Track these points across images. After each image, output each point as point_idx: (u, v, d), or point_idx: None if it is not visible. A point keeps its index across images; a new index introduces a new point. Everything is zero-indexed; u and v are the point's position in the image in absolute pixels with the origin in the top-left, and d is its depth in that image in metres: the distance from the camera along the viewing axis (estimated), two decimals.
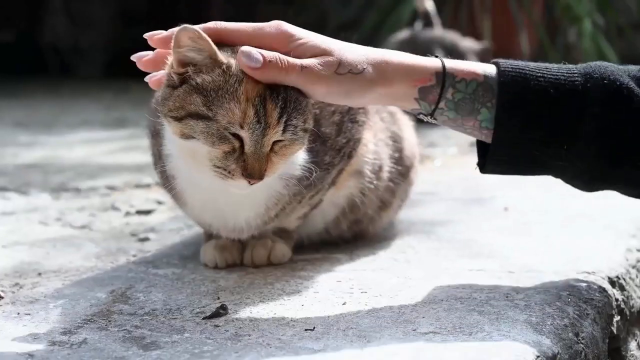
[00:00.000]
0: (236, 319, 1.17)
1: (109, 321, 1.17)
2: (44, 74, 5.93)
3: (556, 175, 1.33)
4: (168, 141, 1.31)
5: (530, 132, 1.25)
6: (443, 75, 1.25)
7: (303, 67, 1.20)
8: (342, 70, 1.21)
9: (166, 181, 1.36)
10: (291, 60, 1.20)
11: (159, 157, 1.37)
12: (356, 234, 1.56)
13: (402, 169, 1.56)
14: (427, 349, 1.05)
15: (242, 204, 1.33)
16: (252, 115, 1.17)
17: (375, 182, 1.49)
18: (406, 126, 1.61)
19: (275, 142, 1.20)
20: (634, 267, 1.48)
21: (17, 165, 2.54)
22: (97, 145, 2.97)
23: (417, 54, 1.30)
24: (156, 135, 1.36)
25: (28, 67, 5.97)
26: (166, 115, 1.22)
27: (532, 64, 1.28)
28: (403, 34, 3.60)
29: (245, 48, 1.18)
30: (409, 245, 1.56)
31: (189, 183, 1.33)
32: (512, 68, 1.26)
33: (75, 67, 6.30)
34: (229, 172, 1.20)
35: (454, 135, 3.13)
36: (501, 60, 1.28)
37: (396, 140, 1.54)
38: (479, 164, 1.34)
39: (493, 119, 1.25)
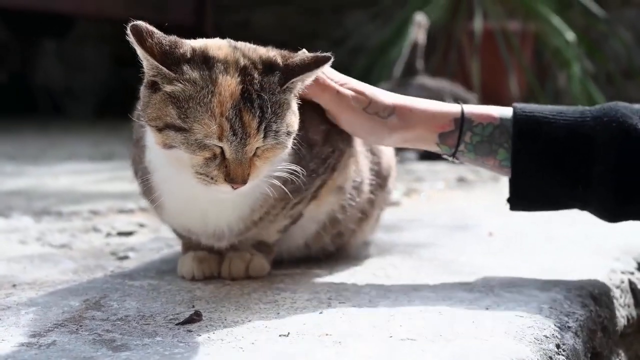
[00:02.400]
0: (210, 325, 1.15)
1: (80, 326, 1.15)
2: (36, 115, 5.94)
3: (581, 209, 1.42)
4: (149, 147, 1.30)
5: (545, 174, 1.36)
6: (461, 121, 1.38)
7: (338, 93, 1.36)
8: (371, 110, 1.38)
9: (145, 187, 1.35)
10: (331, 83, 1.36)
11: (139, 163, 1.35)
12: (338, 247, 1.55)
13: (380, 181, 1.55)
14: (402, 353, 1.03)
15: (225, 205, 1.32)
16: (228, 129, 1.16)
17: (356, 198, 1.49)
18: None
19: (258, 147, 1.20)
20: (617, 287, 1.47)
21: (1, 191, 2.52)
22: (83, 176, 2.95)
23: None
24: (137, 142, 1.35)
25: (20, 107, 5.99)
26: (148, 123, 1.22)
27: (547, 108, 1.39)
28: (386, 85, 3.62)
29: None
30: (390, 263, 1.55)
31: (168, 186, 1.31)
32: (526, 114, 1.37)
33: (67, 108, 6.33)
34: (212, 178, 1.19)
35: (441, 170, 3.15)
36: (518, 105, 1.40)
37: (374, 153, 1.54)
38: (508, 200, 1.44)
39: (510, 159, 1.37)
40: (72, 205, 2.23)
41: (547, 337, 1.14)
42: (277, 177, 1.28)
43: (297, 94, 1.27)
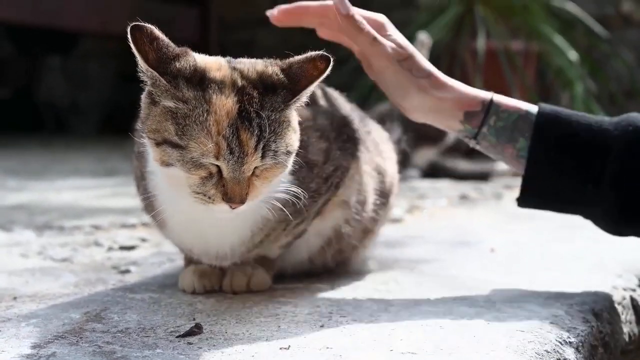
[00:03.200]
0: (210, 337, 1.15)
1: (80, 337, 1.14)
2: (40, 131, 5.95)
3: (585, 216, 1.44)
4: (150, 162, 1.29)
5: (559, 169, 1.38)
6: (489, 105, 1.40)
7: (375, 39, 1.38)
8: (406, 66, 1.39)
9: (148, 203, 1.35)
10: (369, 28, 1.38)
11: (141, 179, 1.35)
12: (339, 263, 1.55)
13: (384, 199, 1.55)
14: None
15: (226, 229, 1.31)
16: (225, 148, 1.14)
17: (362, 213, 1.49)
18: (389, 159, 1.61)
19: (257, 167, 1.18)
20: (619, 303, 1.46)
21: (3, 206, 2.52)
22: (86, 191, 2.95)
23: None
24: (139, 157, 1.35)
25: (24, 123, 6.00)
26: (147, 136, 1.20)
27: (569, 110, 1.42)
28: (384, 106, 3.62)
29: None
30: (392, 278, 1.54)
31: (170, 205, 1.30)
32: (550, 111, 1.40)
33: (71, 124, 6.34)
34: (209, 198, 1.18)
35: (444, 188, 3.15)
36: (543, 104, 1.43)
37: (380, 173, 1.54)
38: (517, 199, 1.44)
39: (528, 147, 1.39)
40: (74, 220, 2.23)
41: (548, 352, 1.13)
42: (277, 200, 1.27)
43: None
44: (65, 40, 6.35)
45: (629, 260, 1.73)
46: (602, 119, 1.41)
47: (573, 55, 4.49)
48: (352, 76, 5.03)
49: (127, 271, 1.62)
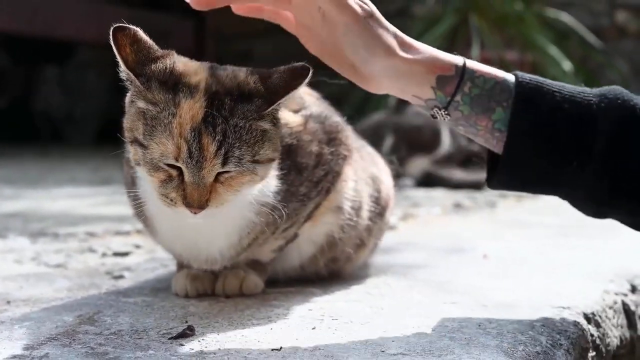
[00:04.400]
0: (202, 339, 1.15)
1: (73, 339, 1.15)
2: (36, 141, 5.96)
3: (564, 197, 1.30)
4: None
5: (543, 144, 1.23)
6: (463, 69, 1.24)
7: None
8: (373, 23, 1.23)
9: (138, 209, 1.35)
10: None
11: (131, 184, 1.36)
12: (332, 272, 1.54)
13: (380, 209, 1.55)
14: None
15: (214, 233, 1.31)
16: (185, 151, 1.15)
17: (355, 219, 1.48)
18: (384, 171, 1.61)
19: (220, 173, 1.18)
20: (610, 307, 1.47)
21: None
22: (81, 199, 2.96)
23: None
24: (129, 162, 1.35)
25: (20, 133, 6.01)
26: (125, 133, 1.22)
27: (549, 80, 1.27)
28: (378, 116, 3.64)
29: None
30: (385, 282, 1.55)
31: (159, 210, 1.30)
32: (529, 79, 1.25)
33: (67, 134, 6.35)
34: (171, 200, 1.19)
35: (438, 197, 3.16)
36: (520, 72, 1.27)
37: (375, 181, 1.54)
38: (487, 180, 1.32)
39: (506, 120, 1.24)
40: (68, 227, 2.23)
41: (538, 354, 1.14)
42: (265, 204, 1.28)
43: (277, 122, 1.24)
44: (62, 51, 6.37)
45: (621, 266, 1.74)
46: (584, 89, 1.26)
47: (567, 65, 4.52)
48: (345, 88, 5.06)
49: (120, 276, 1.62)
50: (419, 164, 3.50)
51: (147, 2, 6.14)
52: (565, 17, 4.79)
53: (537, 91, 1.23)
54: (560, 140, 1.23)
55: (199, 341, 1.14)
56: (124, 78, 1.20)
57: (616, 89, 1.27)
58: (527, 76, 1.25)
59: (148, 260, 1.80)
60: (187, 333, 1.16)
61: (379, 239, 1.63)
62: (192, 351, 1.09)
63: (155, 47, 1.21)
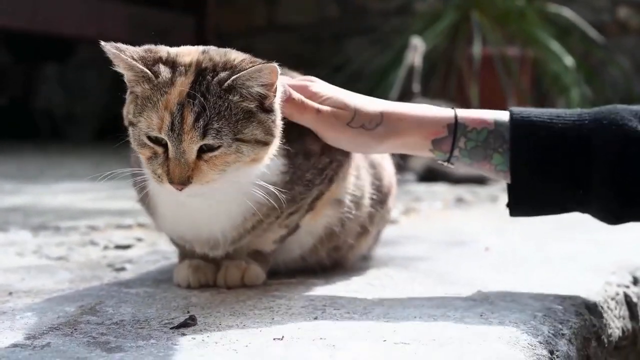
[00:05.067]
0: (204, 329, 1.15)
1: (75, 329, 1.15)
2: (36, 138, 5.95)
3: (582, 212, 1.40)
4: None
5: (544, 180, 1.34)
6: (455, 127, 1.35)
7: (318, 111, 1.35)
8: (355, 124, 1.35)
9: (141, 194, 1.36)
10: (309, 103, 1.35)
11: (137, 165, 1.36)
12: (335, 261, 1.54)
13: (382, 196, 1.55)
14: (396, 355, 1.03)
15: (217, 214, 1.32)
16: (168, 122, 1.19)
17: (354, 211, 1.48)
18: (386, 157, 1.61)
19: (204, 152, 1.21)
20: (612, 299, 1.47)
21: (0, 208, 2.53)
22: (82, 194, 2.96)
23: None
24: (133, 150, 1.36)
25: (20, 131, 6.00)
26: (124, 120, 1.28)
27: (544, 112, 1.36)
28: None
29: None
30: (386, 274, 1.55)
31: (162, 193, 1.32)
32: (522, 118, 1.34)
33: (67, 133, 6.35)
34: (159, 177, 1.23)
35: (440, 191, 3.16)
36: (514, 109, 1.37)
37: (376, 168, 1.54)
38: (508, 206, 1.41)
39: (506, 162, 1.35)
40: (70, 221, 2.23)
41: (540, 343, 1.14)
42: (273, 183, 1.29)
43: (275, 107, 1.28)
44: (62, 49, 6.37)
45: (623, 259, 1.73)
46: (579, 116, 1.35)
47: (569, 61, 4.52)
48: (349, 82, 5.07)
49: (122, 269, 1.62)
50: (421, 159, 3.50)
51: None
52: (567, 13, 4.78)
53: (530, 130, 1.33)
54: (560, 173, 1.33)
55: (200, 331, 1.14)
56: (126, 70, 1.25)
57: (612, 111, 1.35)
58: (522, 114, 1.35)
59: (150, 252, 1.80)
60: (189, 323, 1.16)
61: (382, 226, 1.64)
62: (194, 340, 1.09)
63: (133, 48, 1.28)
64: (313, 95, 1.37)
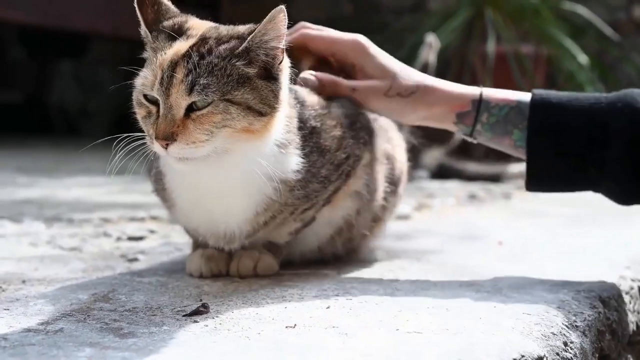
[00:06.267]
0: (217, 317, 1.15)
1: (88, 315, 1.15)
2: (51, 134, 5.97)
3: (594, 191, 1.45)
4: None
5: (559, 158, 1.40)
6: (479, 102, 1.43)
7: (353, 89, 1.44)
8: (392, 93, 1.44)
9: (157, 182, 1.37)
10: (342, 82, 1.43)
11: (153, 161, 1.36)
12: (349, 251, 1.55)
13: (394, 187, 1.55)
14: (409, 344, 1.03)
15: (231, 206, 1.32)
16: (159, 78, 1.21)
17: (372, 202, 1.50)
18: (399, 146, 1.60)
19: (193, 110, 1.21)
20: (627, 293, 1.46)
21: (14, 200, 2.54)
22: (95, 188, 2.96)
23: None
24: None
25: (35, 127, 6.02)
26: None
27: (564, 95, 1.43)
28: None
29: (302, 75, 1.41)
30: (399, 266, 1.55)
31: (177, 181, 1.33)
32: (542, 98, 1.41)
33: (82, 129, 6.36)
34: (150, 137, 1.23)
35: (452, 188, 3.15)
36: (536, 90, 1.44)
37: (389, 159, 1.54)
38: (526, 184, 1.46)
39: (524, 139, 1.41)
40: (83, 214, 2.24)
41: (554, 334, 1.13)
42: (284, 181, 1.29)
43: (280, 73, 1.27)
44: (77, 45, 6.38)
45: (637, 253, 1.72)
46: (596, 99, 1.41)
47: (583, 59, 4.49)
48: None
49: (135, 259, 1.62)
50: (434, 156, 3.49)
51: None
52: (582, 11, 4.75)
53: (548, 111, 1.40)
54: (574, 152, 1.39)
55: (213, 318, 1.14)
56: (143, 37, 1.29)
57: (629, 94, 1.39)
58: (539, 96, 1.41)
59: (163, 244, 1.80)
60: (202, 310, 1.16)
61: (392, 212, 1.65)
62: (207, 327, 1.09)
63: (174, 9, 1.32)
64: (361, 50, 1.46)
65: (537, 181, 1.44)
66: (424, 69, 3.56)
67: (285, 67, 1.28)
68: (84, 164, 3.85)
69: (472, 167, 3.54)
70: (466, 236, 1.97)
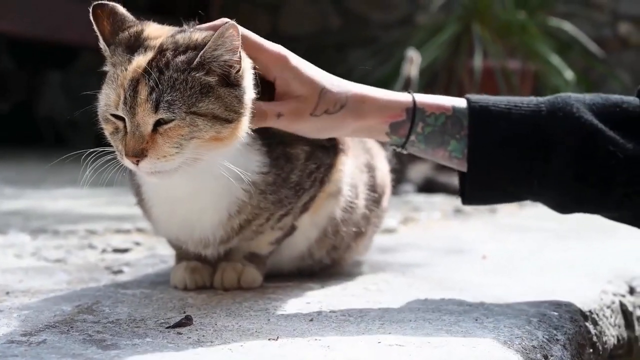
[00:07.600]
0: (200, 329, 1.16)
1: (71, 327, 1.15)
2: (39, 145, 5.96)
3: (534, 200, 1.41)
4: None
5: (502, 169, 1.34)
6: (413, 111, 1.34)
7: (279, 115, 1.31)
8: (319, 112, 1.32)
9: (138, 197, 1.37)
10: (268, 109, 1.30)
11: (133, 173, 1.37)
12: (333, 261, 1.55)
13: (376, 196, 1.56)
14: (391, 356, 1.03)
15: (203, 210, 1.33)
16: (123, 98, 1.20)
17: (355, 201, 1.49)
18: (378, 156, 1.61)
19: (160, 124, 1.20)
20: (608, 307, 1.47)
21: (0, 211, 2.53)
22: (82, 199, 2.96)
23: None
24: None
25: (23, 137, 6.01)
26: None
27: (502, 100, 1.35)
28: None
29: None
30: (383, 279, 1.55)
31: (153, 193, 1.35)
32: (480, 106, 1.34)
33: (70, 139, 6.35)
34: (119, 153, 1.24)
35: (438, 202, 3.16)
36: (471, 97, 1.36)
37: (369, 169, 1.55)
38: (460, 195, 1.40)
39: (462, 149, 1.34)
40: (69, 225, 2.24)
41: (535, 348, 1.14)
42: (253, 183, 1.30)
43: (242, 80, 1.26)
44: (65, 56, 6.38)
45: (620, 267, 1.74)
46: (536, 106, 1.34)
47: (569, 75, 4.53)
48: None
49: (120, 271, 1.62)
50: (420, 170, 3.50)
51: (152, 6, 6.16)
52: (568, 27, 4.79)
53: (488, 119, 1.32)
54: (517, 163, 1.33)
55: (196, 330, 1.14)
56: (103, 51, 1.28)
57: (568, 103, 1.34)
58: (480, 102, 1.34)
59: (148, 256, 1.81)
60: (185, 322, 1.17)
61: (376, 226, 1.64)
62: (190, 340, 1.10)
63: (130, 18, 1.30)
64: (283, 62, 1.32)
65: (478, 195, 1.38)
66: (407, 83, 3.59)
67: (246, 70, 1.26)
68: (71, 175, 3.83)
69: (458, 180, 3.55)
70: (451, 250, 1.99)
